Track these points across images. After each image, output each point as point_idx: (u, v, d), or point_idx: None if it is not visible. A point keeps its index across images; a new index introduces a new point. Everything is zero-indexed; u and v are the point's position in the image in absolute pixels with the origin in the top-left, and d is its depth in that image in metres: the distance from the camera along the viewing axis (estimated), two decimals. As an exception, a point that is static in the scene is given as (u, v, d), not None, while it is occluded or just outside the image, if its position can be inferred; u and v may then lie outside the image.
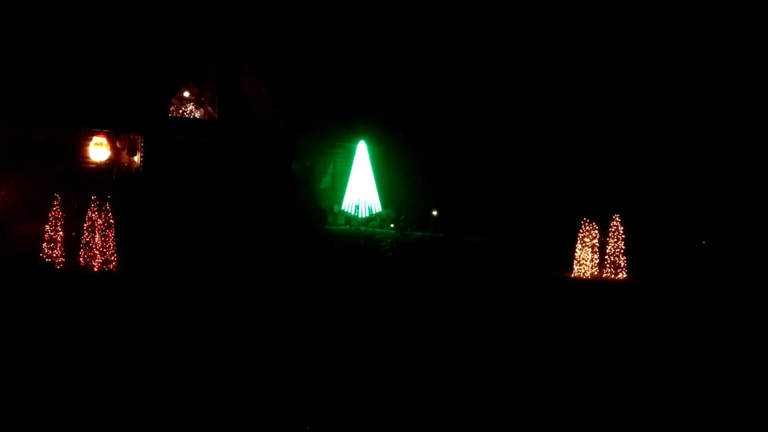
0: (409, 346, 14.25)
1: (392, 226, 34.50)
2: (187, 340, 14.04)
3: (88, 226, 22.20)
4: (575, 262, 25.98)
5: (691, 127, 41.81)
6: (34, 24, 32.59)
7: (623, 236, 25.85)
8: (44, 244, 22.01)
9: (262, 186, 33.40)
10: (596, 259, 25.90)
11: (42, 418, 9.59)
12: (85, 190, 27.82)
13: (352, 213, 36.66)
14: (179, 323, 15.58)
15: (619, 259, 25.76)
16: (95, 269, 21.71)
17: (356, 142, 37.25)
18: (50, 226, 22.02)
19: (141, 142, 32.56)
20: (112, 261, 21.86)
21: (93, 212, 22.16)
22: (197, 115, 36.16)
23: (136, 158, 32.69)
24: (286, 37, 39.38)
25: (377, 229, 33.97)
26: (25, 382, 11.01)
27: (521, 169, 41.30)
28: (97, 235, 21.82)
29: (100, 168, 31.62)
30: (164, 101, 33.85)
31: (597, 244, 26.01)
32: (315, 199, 35.73)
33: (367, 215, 36.64)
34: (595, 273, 25.82)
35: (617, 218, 25.99)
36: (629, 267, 25.83)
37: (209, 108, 35.96)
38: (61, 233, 22.12)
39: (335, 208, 37.04)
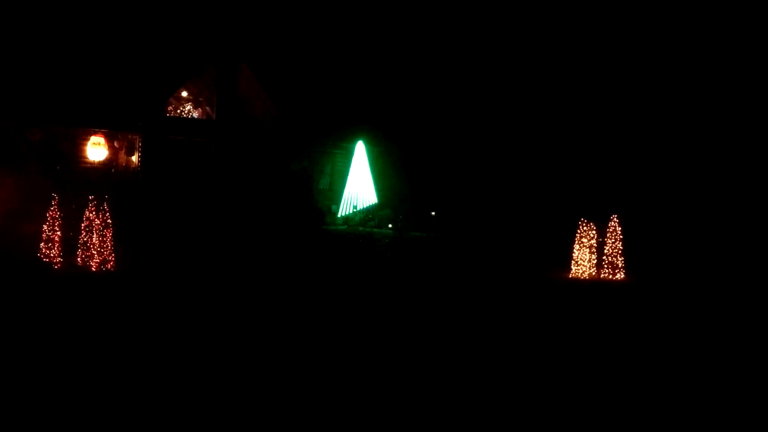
0: (407, 346, 14.26)
1: (390, 226, 34.51)
2: (186, 340, 14.04)
3: (85, 226, 22.17)
4: (573, 262, 25.99)
5: (689, 127, 41.84)
6: (32, 24, 32.59)
7: (621, 236, 25.85)
8: (42, 244, 21.99)
9: (260, 186, 33.39)
10: (594, 260, 25.89)
11: (42, 418, 9.58)
12: (83, 190, 27.84)
13: (350, 213, 36.66)
14: (178, 323, 15.58)
15: (617, 260, 25.76)
16: (93, 269, 21.68)
17: (354, 142, 37.26)
18: (48, 226, 22.00)
19: (139, 141, 32.56)
20: (110, 261, 21.83)
21: (91, 212, 22.13)
22: (195, 114, 36.17)
23: (134, 158, 32.68)
24: (285, 37, 39.37)
25: (375, 230, 33.98)
26: (24, 383, 11.00)
27: (520, 169, 41.32)
28: (95, 235, 21.79)
29: (98, 168, 31.61)
30: (162, 101, 33.85)
31: (595, 245, 26.01)
32: (313, 200, 35.74)
33: (365, 216, 36.64)
34: (593, 273, 25.82)
35: (615, 218, 25.99)
36: (627, 267, 25.84)
37: (207, 108, 35.97)
38: (58, 233, 22.09)
39: (333, 208, 37.05)
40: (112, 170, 31.84)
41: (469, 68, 44.14)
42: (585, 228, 26.00)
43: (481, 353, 14.03)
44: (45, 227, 22.01)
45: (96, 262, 21.70)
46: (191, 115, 35.93)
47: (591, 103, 42.81)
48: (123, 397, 10.47)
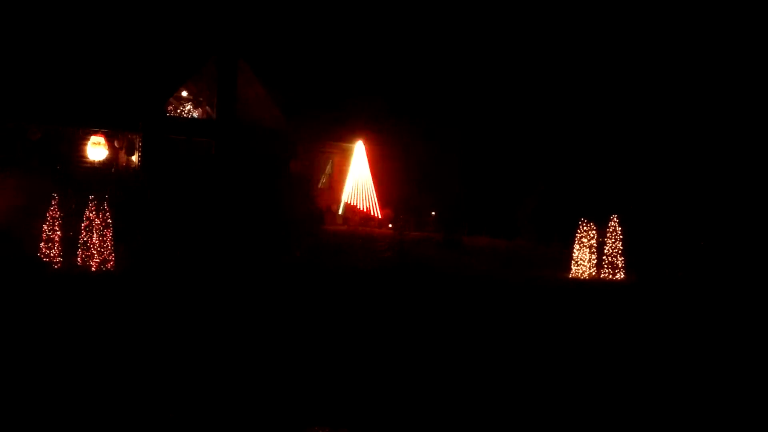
0: (408, 345, 14.26)
1: (390, 226, 34.45)
2: (186, 340, 14.03)
3: (85, 226, 22.15)
4: (573, 262, 25.99)
5: (689, 127, 41.79)
6: (33, 24, 32.56)
7: (621, 237, 25.86)
8: (42, 244, 21.96)
9: (260, 186, 33.33)
10: (594, 260, 25.89)
11: (42, 417, 9.58)
12: (83, 190, 27.81)
13: (350, 213, 36.59)
14: (177, 322, 15.57)
15: (617, 260, 25.77)
16: (93, 269, 21.67)
17: (354, 142, 37.20)
18: (48, 226, 21.98)
19: (139, 141, 32.52)
20: (110, 260, 21.81)
21: (91, 212, 22.11)
22: (195, 114, 36.12)
23: (134, 158, 32.64)
24: (285, 37, 39.34)
25: (375, 229, 33.93)
26: (24, 381, 11.00)
27: (519, 169, 41.26)
28: (95, 235, 21.77)
29: (98, 167, 31.56)
30: (162, 101, 33.81)
31: (595, 245, 26.02)
32: (313, 199, 35.66)
33: (365, 215, 36.59)
34: (593, 273, 25.82)
35: (615, 219, 25.99)
36: (627, 267, 25.83)
37: (207, 108, 35.93)
38: (58, 233, 22.07)
39: (333, 208, 36.99)
40: (113, 170, 31.78)
41: (469, 68, 44.11)
42: (585, 228, 26.00)
43: (482, 352, 14.02)
44: (45, 227, 21.99)
45: (96, 262, 21.69)
46: (191, 115, 35.89)
47: (591, 104, 42.76)
48: (122, 395, 10.46)
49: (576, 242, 25.99)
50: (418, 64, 43.27)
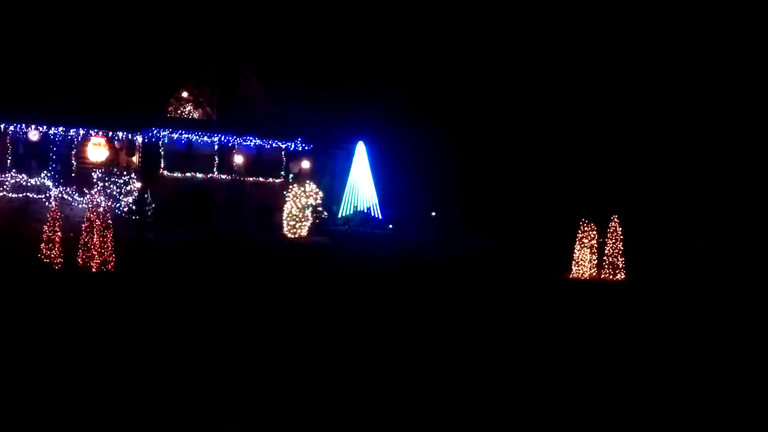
0: (409, 344, 14.26)
1: (391, 226, 34.48)
2: (187, 340, 14.04)
3: (86, 227, 22.15)
4: (574, 262, 26.00)
5: (689, 129, 41.83)
6: (34, 25, 32.63)
7: (621, 237, 25.87)
8: (42, 245, 21.97)
9: (260, 186, 33.36)
10: (595, 260, 25.91)
11: (42, 417, 9.58)
12: (84, 191, 27.82)
13: (351, 214, 36.62)
14: (178, 323, 15.58)
15: (618, 260, 25.78)
16: (93, 269, 21.67)
17: (355, 143, 37.22)
18: (48, 227, 21.99)
19: (139, 142, 32.54)
20: (111, 261, 21.81)
21: (91, 212, 22.11)
22: (196, 115, 36.14)
23: (135, 158, 32.66)
24: (285, 38, 39.38)
25: (376, 230, 33.96)
26: (24, 382, 11.00)
27: (520, 170, 41.30)
28: (96, 236, 21.77)
29: (99, 168, 31.56)
30: (163, 102, 33.83)
31: (595, 245, 26.03)
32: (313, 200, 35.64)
33: (366, 216, 36.63)
34: (594, 273, 25.83)
35: (615, 219, 26.00)
36: (627, 268, 25.84)
37: (208, 108, 35.93)
38: (59, 233, 22.07)
39: (334, 208, 37.01)
40: (113, 170, 31.81)
41: (470, 69, 44.15)
42: (586, 229, 26.01)
43: (483, 351, 14.02)
44: (46, 228, 22.00)
45: (96, 263, 21.68)
46: (192, 116, 35.91)
47: (591, 105, 42.79)
48: (123, 396, 10.47)
49: (577, 242, 26.01)
50: (419, 64, 43.31)
